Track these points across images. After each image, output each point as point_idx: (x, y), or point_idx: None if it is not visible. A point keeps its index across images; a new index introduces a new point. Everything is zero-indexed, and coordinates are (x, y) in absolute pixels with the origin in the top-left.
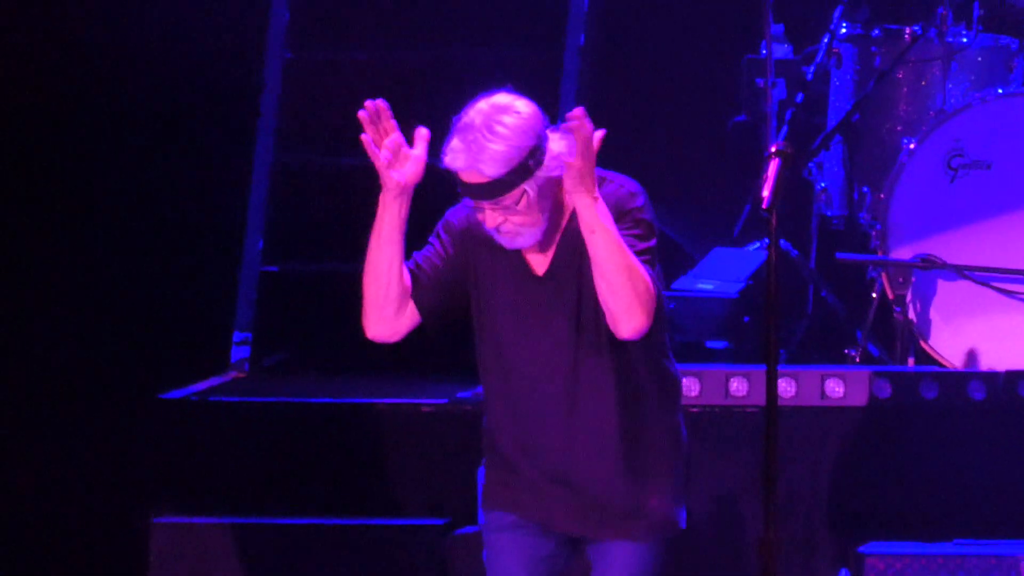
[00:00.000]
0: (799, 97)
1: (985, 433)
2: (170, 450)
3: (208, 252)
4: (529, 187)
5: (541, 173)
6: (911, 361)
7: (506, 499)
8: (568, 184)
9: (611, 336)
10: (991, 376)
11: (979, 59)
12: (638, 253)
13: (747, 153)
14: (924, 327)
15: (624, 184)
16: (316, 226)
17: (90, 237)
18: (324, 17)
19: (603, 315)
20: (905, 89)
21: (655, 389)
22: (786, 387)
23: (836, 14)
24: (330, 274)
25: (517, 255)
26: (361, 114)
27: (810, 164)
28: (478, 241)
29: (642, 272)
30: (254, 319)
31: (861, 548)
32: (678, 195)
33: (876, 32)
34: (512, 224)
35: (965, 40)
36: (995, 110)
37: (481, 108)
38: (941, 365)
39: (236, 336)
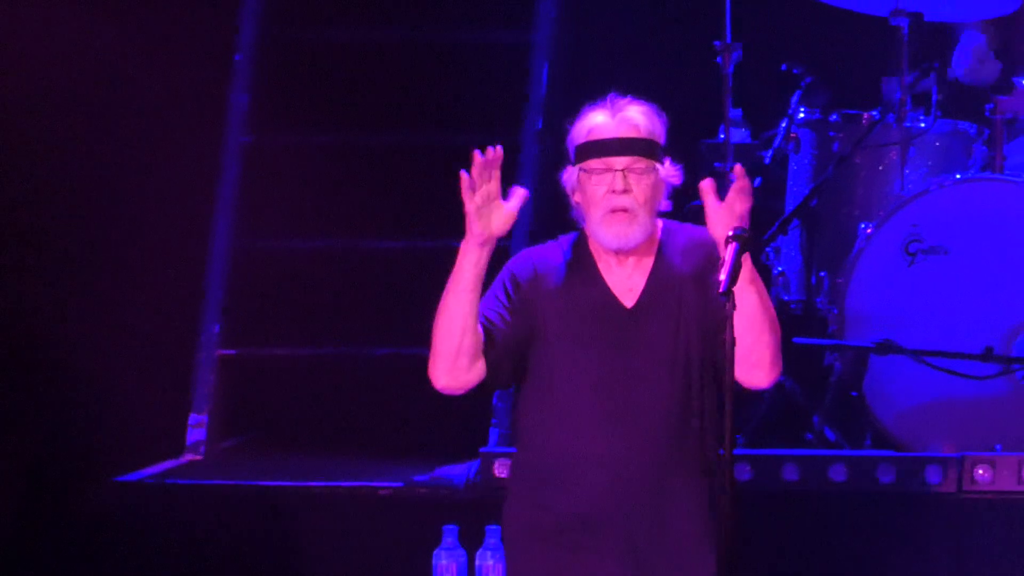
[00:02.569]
0: (757, 181)
1: (941, 517)
2: (124, 533)
3: (166, 335)
4: (658, 169)
5: (663, 170)
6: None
7: None
8: (744, 222)
9: (703, 378)
10: (949, 460)
11: (937, 144)
12: None
13: None
14: (881, 411)
15: (700, 230)
16: (274, 310)
17: (47, 317)
18: (284, 101)
19: (698, 354)
20: (863, 174)
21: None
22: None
23: (794, 99)
24: (288, 358)
25: (601, 287)
26: (476, 154)
27: (768, 249)
28: (549, 285)
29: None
30: (211, 402)
31: None
32: None
33: (834, 117)
34: (631, 199)
35: (923, 125)
36: (953, 195)
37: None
38: (898, 449)
39: (192, 419)
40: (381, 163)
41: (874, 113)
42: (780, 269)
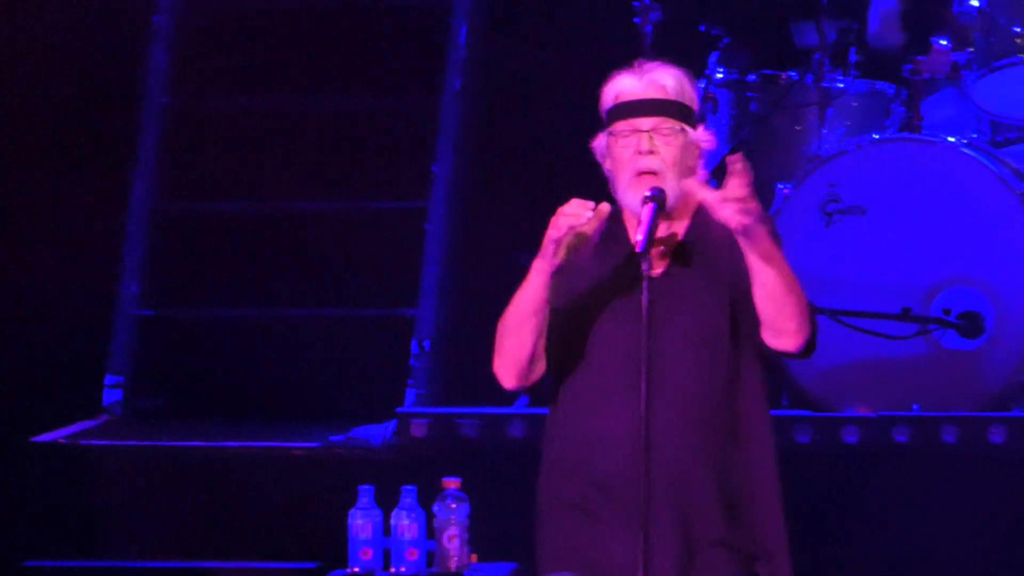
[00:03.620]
0: None
1: (858, 477)
2: (40, 493)
3: (84, 296)
4: (686, 131)
5: (693, 133)
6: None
7: (581, 559)
8: (737, 223)
9: (732, 348)
10: (865, 420)
11: (855, 105)
12: None
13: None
14: (798, 371)
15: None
16: (193, 272)
17: None
18: (203, 62)
19: (727, 323)
20: (781, 135)
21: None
22: None
23: (712, 59)
24: (207, 319)
25: (631, 256)
26: (604, 206)
27: None
28: (582, 257)
29: (799, 285)
30: (128, 363)
31: None
32: None
33: (753, 77)
34: (659, 161)
35: (842, 86)
36: (870, 156)
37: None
38: (815, 409)
39: (109, 380)
40: (302, 125)
41: (792, 74)
42: None
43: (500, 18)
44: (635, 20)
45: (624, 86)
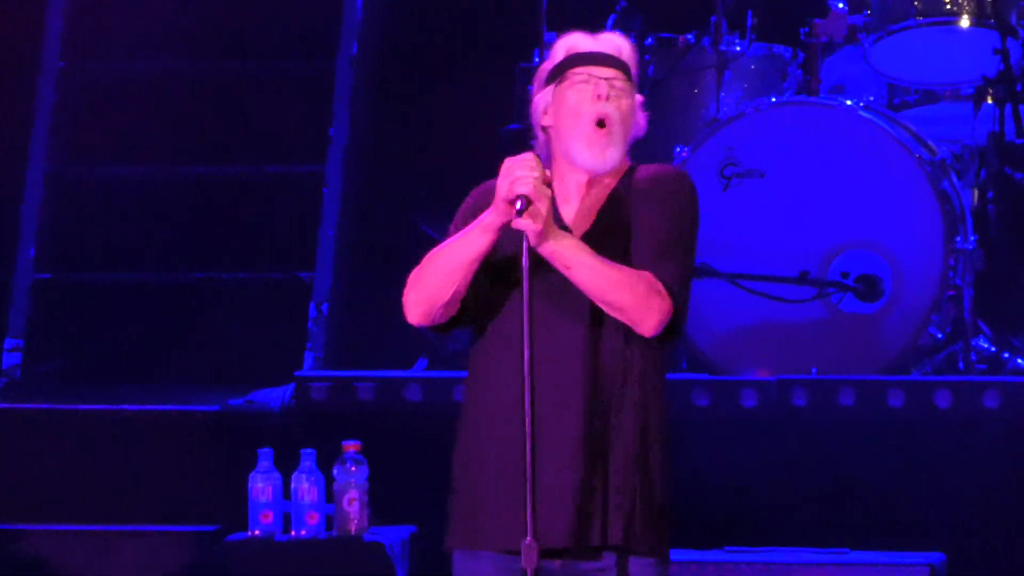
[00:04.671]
0: None
1: (756, 440)
2: None
3: None
4: (635, 95)
5: (638, 100)
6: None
7: (496, 535)
8: (533, 241)
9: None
10: (763, 384)
11: (753, 68)
12: (668, 243)
13: None
14: (697, 335)
15: (668, 167)
16: (91, 236)
17: None
18: (99, 26)
19: None
20: (678, 98)
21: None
22: None
23: (609, 23)
24: (105, 283)
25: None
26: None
27: None
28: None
29: (636, 279)
30: (27, 326)
31: None
32: (451, 202)
33: (649, 41)
34: (615, 109)
35: (739, 49)
36: (768, 119)
37: None
38: (713, 372)
39: (7, 343)
40: (200, 89)
41: (689, 37)
42: None
43: None
44: None
45: (579, 41)
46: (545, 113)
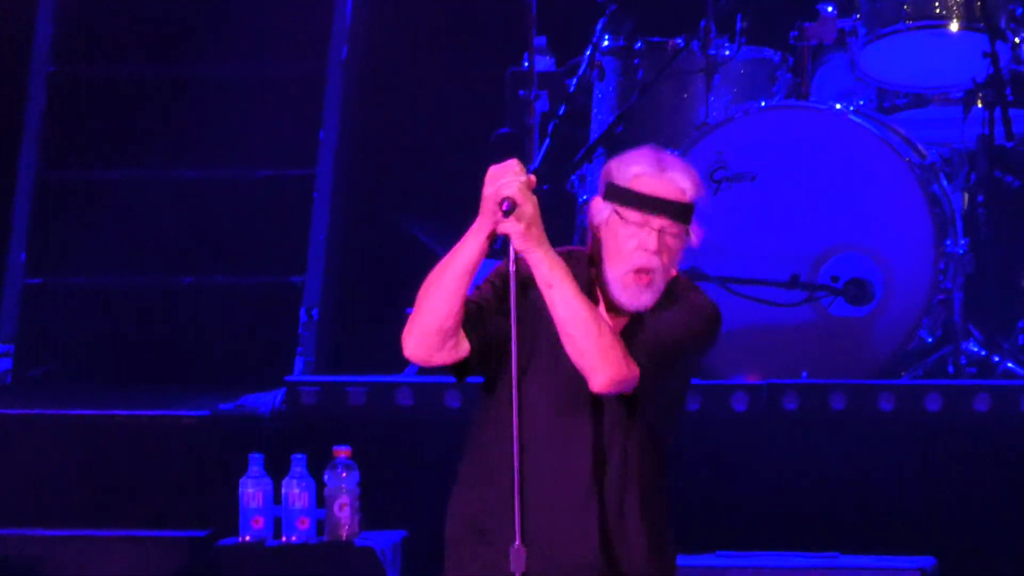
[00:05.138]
0: (562, 109)
1: (747, 444)
2: None
3: None
4: (689, 235)
5: (692, 235)
6: None
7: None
8: (519, 244)
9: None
10: (754, 388)
11: (742, 72)
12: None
13: None
14: None
15: (702, 298)
16: (81, 240)
17: None
18: (89, 31)
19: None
20: (668, 101)
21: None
22: None
23: (599, 26)
24: (94, 286)
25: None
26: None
27: (573, 177)
28: (535, 294)
29: (606, 329)
30: (17, 331)
31: None
32: (440, 206)
33: (639, 44)
34: (659, 261)
35: (728, 53)
36: (757, 123)
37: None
38: (704, 376)
39: None
40: (189, 93)
41: (679, 40)
42: (585, 197)
43: None
44: None
45: (644, 172)
46: (599, 226)
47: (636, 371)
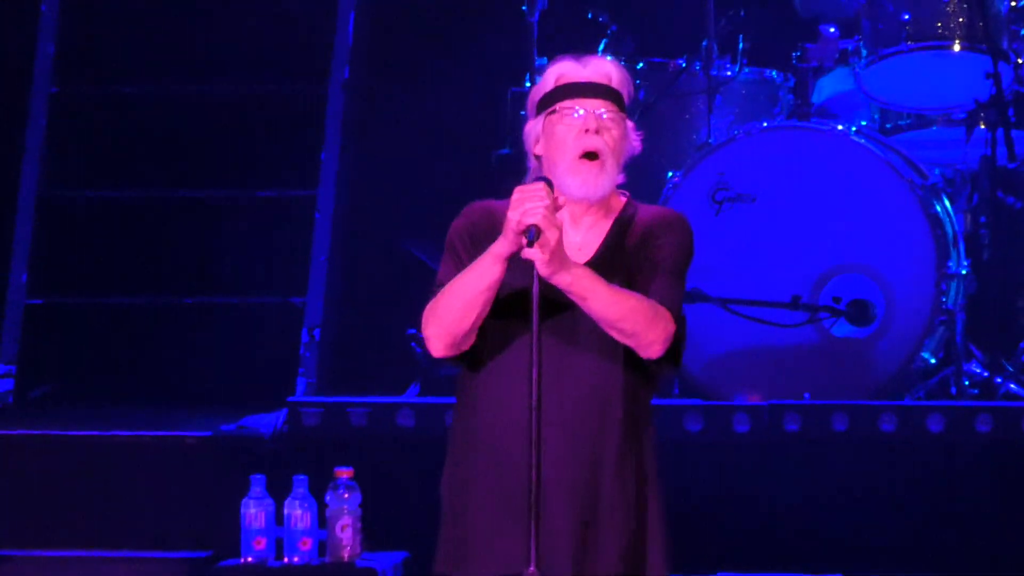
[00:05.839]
0: None
1: (749, 465)
2: None
3: None
4: (626, 121)
5: (630, 126)
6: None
7: (487, 562)
8: (543, 270)
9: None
10: (755, 409)
11: (744, 92)
12: (669, 275)
13: (511, 186)
14: (689, 360)
15: (667, 209)
16: (83, 260)
17: None
18: (90, 51)
19: None
20: (670, 122)
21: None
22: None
23: (600, 47)
24: (96, 307)
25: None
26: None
27: None
28: (482, 246)
29: (645, 306)
30: (18, 351)
31: None
32: (442, 227)
33: (641, 65)
34: (603, 142)
35: (730, 74)
36: (759, 143)
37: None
38: (706, 397)
39: (0, 368)
40: (190, 113)
41: (680, 61)
42: None
43: (388, 7)
44: (523, 8)
45: (568, 69)
46: (536, 142)
47: (673, 324)
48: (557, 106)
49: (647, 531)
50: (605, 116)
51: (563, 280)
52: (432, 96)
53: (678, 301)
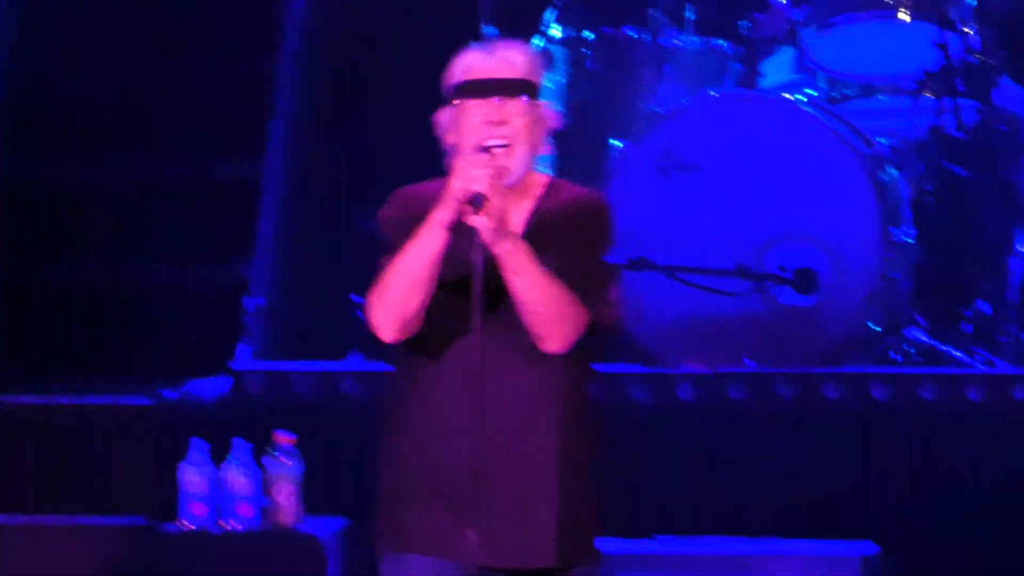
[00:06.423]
0: None
1: (693, 432)
2: None
3: None
4: (536, 106)
5: (541, 108)
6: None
7: (425, 539)
8: (487, 237)
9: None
10: (701, 376)
11: (692, 62)
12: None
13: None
14: (635, 328)
15: (588, 191)
16: (24, 233)
17: None
18: (48, 28)
19: None
20: (618, 92)
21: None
22: None
23: (548, 16)
24: (37, 278)
25: (470, 233)
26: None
27: None
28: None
29: (566, 299)
30: None
31: None
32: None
33: (590, 35)
34: (508, 131)
35: (678, 43)
36: (708, 113)
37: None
38: (651, 364)
39: None
40: (137, 86)
41: (628, 30)
42: None
43: None
44: None
45: (473, 61)
46: (447, 132)
47: (583, 325)
48: (461, 104)
49: (585, 506)
50: (512, 112)
51: (503, 248)
52: (382, 67)
53: (606, 286)
